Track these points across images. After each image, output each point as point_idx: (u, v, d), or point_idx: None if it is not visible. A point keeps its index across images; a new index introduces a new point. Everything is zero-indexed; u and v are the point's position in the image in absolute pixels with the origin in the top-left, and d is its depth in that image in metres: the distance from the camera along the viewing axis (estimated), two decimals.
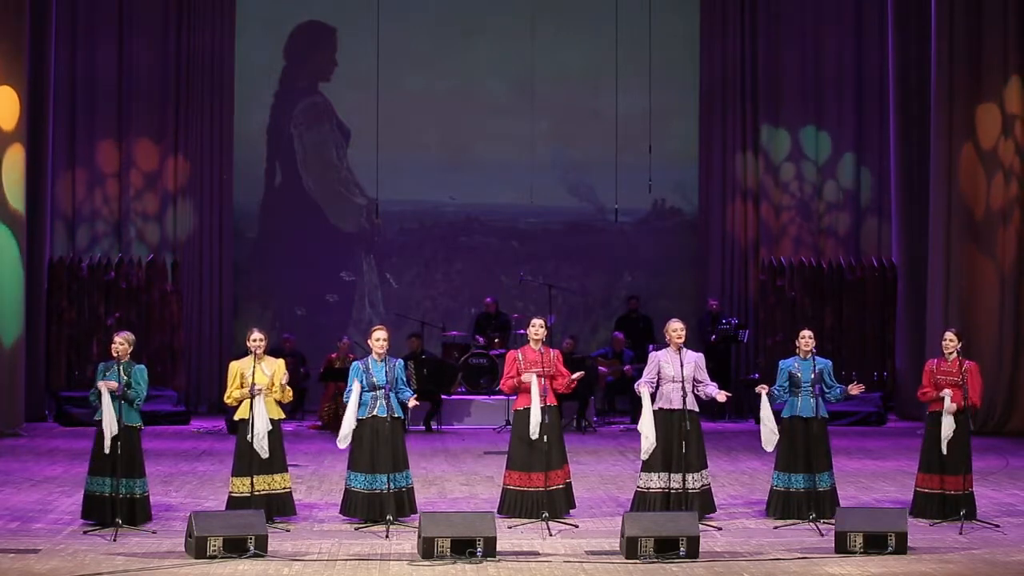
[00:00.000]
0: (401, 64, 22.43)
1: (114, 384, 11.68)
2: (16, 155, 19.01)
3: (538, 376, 12.25)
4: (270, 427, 11.94)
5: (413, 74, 22.69)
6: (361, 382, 12.04)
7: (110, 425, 11.58)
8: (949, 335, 12.62)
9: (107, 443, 11.59)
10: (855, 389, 12.51)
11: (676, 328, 12.34)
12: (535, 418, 12.16)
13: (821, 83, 22.43)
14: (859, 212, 22.48)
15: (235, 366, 12.22)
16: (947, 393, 12.32)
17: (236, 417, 12.22)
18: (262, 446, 11.88)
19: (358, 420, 12.07)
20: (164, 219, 21.70)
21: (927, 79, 20.35)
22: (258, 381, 11.96)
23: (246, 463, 11.94)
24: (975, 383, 12.46)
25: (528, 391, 12.26)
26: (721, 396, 12.39)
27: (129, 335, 12.07)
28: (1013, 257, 19.82)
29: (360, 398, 12.04)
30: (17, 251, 19.15)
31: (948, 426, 12.29)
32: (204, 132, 21.66)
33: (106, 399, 11.63)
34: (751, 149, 22.30)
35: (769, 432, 12.26)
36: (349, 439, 12.03)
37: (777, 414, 12.81)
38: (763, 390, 12.37)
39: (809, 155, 22.49)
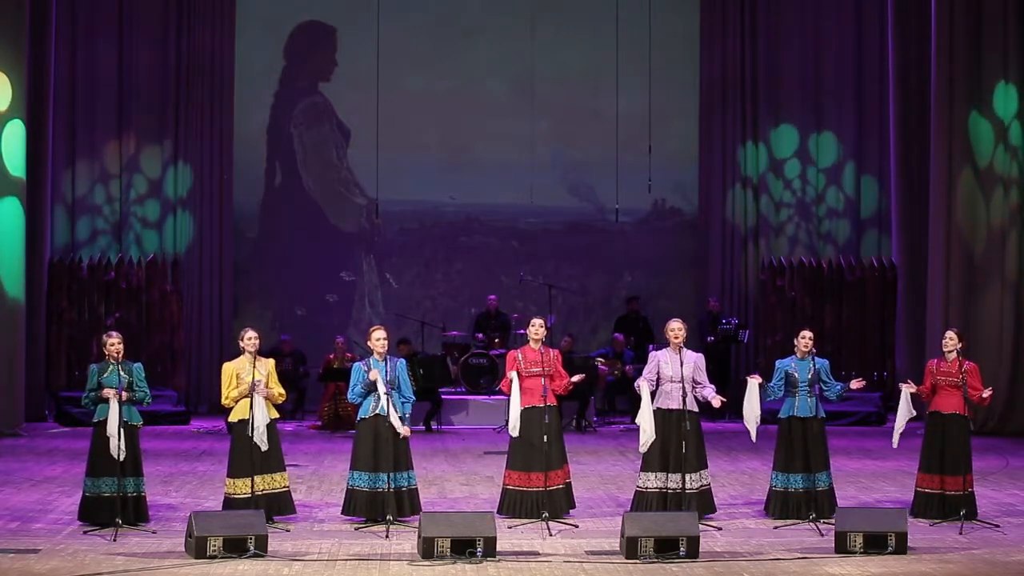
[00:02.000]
0: (401, 64, 22.42)
1: (120, 393, 11.65)
2: (13, 131, 18.90)
3: (538, 376, 12.28)
4: (268, 420, 11.94)
5: (413, 74, 22.68)
6: (365, 382, 12.06)
7: (118, 433, 11.54)
8: (950, 335, 12.63)
9: (120, 451, 11.54)
10: (856, 384, 12.54)
11: (675, 328, 12.34)
12: (514, 413, 12.18)
13: (821, 83, 22.44)
14: (859, 210, 22.47)
15: (229, 367, 12.16)
16: (904, 387, 12.50)
17: (234, 419, 12.12)
18: (262, 439, 11.85)
19: (361, 419, 12.10)
20: (164, 219, 21.69)
21: (927, 79, 20.34)
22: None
23: (246, 463, 11.89)
24: (977, 383, 12.47)
25: (525, 390, 12.27)
26: (716, 401, 12.40)
27: (119, 335, 12.09)
28: (1013, 259, 19.80)
29: (369, 394, 12.09)
30: (22, 214, 19.05)
31: (903, 408, 12.38)
32: (204, 132, 21.64)
33: (114, 408, 11.57)
34: (751, 149, 22.30)
35: (753, 420, 12.25)
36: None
37: (773, 413, 12.83)
38: (755, 379, 12.37)
39: (809, 154, 22.49)
